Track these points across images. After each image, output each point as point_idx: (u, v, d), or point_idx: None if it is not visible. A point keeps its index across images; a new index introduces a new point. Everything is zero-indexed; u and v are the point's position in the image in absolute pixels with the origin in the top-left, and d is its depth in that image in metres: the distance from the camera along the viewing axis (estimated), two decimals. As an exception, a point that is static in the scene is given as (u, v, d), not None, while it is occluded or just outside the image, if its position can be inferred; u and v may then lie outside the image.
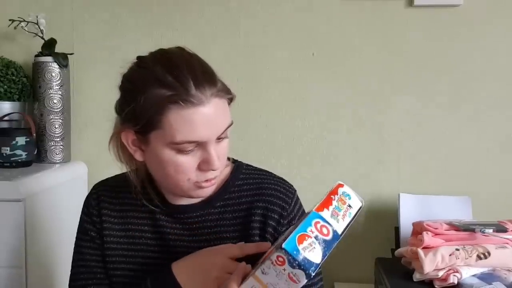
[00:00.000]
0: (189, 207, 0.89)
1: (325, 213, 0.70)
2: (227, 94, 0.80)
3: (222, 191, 0.89)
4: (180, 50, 0.82)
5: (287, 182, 0.93)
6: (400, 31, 1.56)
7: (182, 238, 0.89)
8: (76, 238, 0.95)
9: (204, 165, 0.79)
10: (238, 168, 0.93)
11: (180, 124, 0.75)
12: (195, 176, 0.80)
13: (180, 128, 0.75)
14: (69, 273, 0.95)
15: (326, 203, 0.71)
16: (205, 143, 0.78)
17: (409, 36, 1.56)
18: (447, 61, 1.55)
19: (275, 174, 0.93)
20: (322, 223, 0.68)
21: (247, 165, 0.95)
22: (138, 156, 0.83)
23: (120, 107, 0.83)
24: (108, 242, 0.91)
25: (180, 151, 0.78)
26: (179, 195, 0.86)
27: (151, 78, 0.77)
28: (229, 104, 0.82)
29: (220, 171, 0.84)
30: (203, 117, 0.76)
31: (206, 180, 0.81)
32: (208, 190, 0.84)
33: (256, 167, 0.94)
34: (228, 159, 0.93)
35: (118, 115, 0.84)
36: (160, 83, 0.76)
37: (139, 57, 0.83)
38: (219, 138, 0.80)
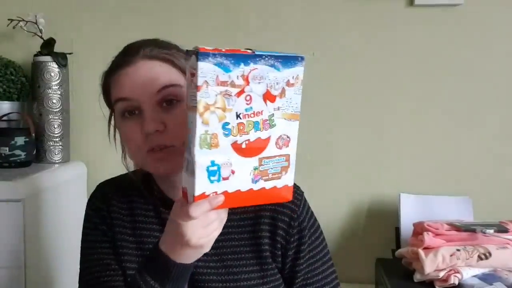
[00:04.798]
0: None
1: None
2: (165, 59, 0.82)
3: None
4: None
5: (295, 183, 0.92)
6: (400, 31, 1.55)
7: None
8: (84, 235, 0.93)
9: (143, 128, 0.79)
10: None
11: (113, 86, 0.83)
12: (143, 144, 0.80)
13: (113, 89, 0.83)
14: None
15: None
16: (140, 104, 0.79)
17: (409, 36, 1.55)
18: (447, 61, 1.55)
19: None
20: None
21: None
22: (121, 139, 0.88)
23: None
24: (119, 240, 0.89)
25: (122, 115, 0.82)
26: (150, 171, 0.86)
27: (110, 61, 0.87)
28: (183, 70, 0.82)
29: (174, 143, 0.79)
30: (128, 76, 0.81)
31: (155, 150, 0.79)
32: (165, 165, 0.80)
33: None
34: None
35: None
36: (111, 62, 0.86)
37: None
38: (168, 102, 0.80)
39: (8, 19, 1.53)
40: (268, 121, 0.68)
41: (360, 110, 1.58)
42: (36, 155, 1.51)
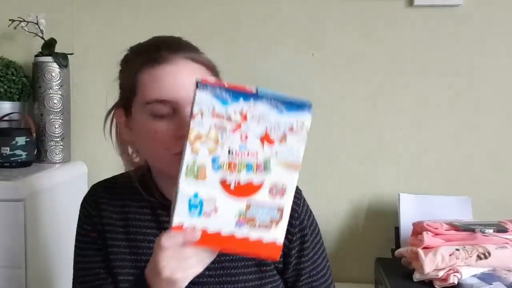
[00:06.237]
0: None
1: None
2: (206, 64, 0.81)
3: None
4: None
5: None
6: (400, 31, 1.56)
7: None
8: (76, 240, 0.93)
9: (178, 131, 0.76)
10: None
11: (150, 83, 0.78)
12: (174, 146, 0.76)
13: (150, 87, 0.78)
14: (70, 274, 0.94)
15: None
16: (179, 106, 0.76)
17: (409, 36, 1.55)
18: (447, 61, 1.55)
19: None
20: None
21: None
22: (128, 136, 0.86)
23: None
24: (111, 246, 0.88)
25: (155, 115, 0.77)
26: (170, 175, 0.82)
27: (132, 52, 0.84)
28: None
29: None
30: (170, 76, 0.77)
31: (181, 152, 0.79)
32: None
33: None
34: None
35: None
36: (136, 53, 0.82)
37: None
38: None
39: (9, 20, 1.53)
40: (262, 165, 0.65)
41: (360, 109, 1.58)
42: (37, 155, 1.52)
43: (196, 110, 0.62)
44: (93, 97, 1.63)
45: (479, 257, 1.21)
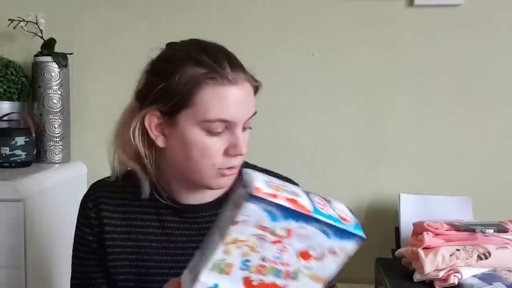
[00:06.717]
0: (199, 207, 0.88)
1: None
2: (255, 82, 0.83)
3: (232, 191, 0.88)
4: (210, 41, 0.87)
5: (295, 182, 0.92)
6: (400, 31, 1.55)
7: (190, 239, 0.87)
8: (74, 240, 0.93)
9: (231, 150, 0.79)
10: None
11: (215, 101, 0.77)
12: (220, 162, 0.80)
13: (214, 105, 0.77)
14: (69, 273, 0.95)
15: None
16: (234, 126, 0.79)
17: (409, 36, 1.55)
18: (448, 61, 1.55)
19: (282, 175, 0.92)
20: None
21: (254, 166, 0.94)
22: (160, 142, 0.82)
23: (147, 89, 0.82)
24: (111, 246, 0.88)
25: (210, 131, 0.78)
26: (198, 184, 0.83)
27: (187, 57, 0.80)
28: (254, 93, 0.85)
29: (241, 162, 0.84)
30: (235, 97, 0.78)
31: (229, 168, 0.81)
32: (228, 180, 0.83)
33: (264, 168, 0.93)
34: None
35: (140, 100, 0.83)
36: (196, 62, 0.79)
37: (170, 43, 0.87)
38: (244, 127, 0.81)
39: (9, 19, 1.53)
40: (292, 274, 0.63)
41: (360, 110, 1.58)
42: (37, 155, 1.51)
43: (241, 218, 0.58)
44: (93, 96, 1.63)
45: (479, 257, 1.21)
